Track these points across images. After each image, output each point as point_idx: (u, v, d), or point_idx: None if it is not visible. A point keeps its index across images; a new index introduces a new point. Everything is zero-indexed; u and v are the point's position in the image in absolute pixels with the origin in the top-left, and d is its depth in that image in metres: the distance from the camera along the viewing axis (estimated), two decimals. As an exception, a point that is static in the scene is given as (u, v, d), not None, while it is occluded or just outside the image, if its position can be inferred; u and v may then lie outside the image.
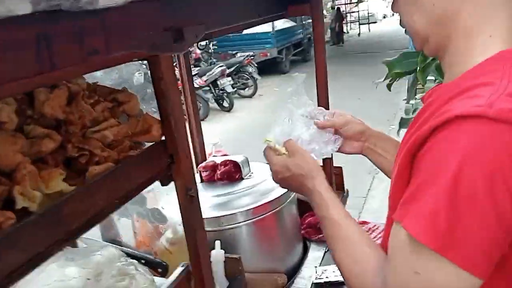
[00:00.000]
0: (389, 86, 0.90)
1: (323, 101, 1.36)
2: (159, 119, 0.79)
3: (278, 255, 1.30)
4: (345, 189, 1.72)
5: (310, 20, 1.26)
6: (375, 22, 17.81)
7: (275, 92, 9.64)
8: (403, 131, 1.26)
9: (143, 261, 0.97)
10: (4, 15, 0.41)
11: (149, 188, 1.05)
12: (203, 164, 1.36)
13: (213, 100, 8.12)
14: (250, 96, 9.27)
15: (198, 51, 9.84)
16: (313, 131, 1.00)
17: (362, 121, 1.04)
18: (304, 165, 0.89)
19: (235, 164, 1.32)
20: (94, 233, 1.13)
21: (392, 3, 0.75)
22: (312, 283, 1.27)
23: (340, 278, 1.23)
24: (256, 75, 9.30)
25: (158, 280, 0.97)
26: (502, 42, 0.64)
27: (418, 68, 0.83)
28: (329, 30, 16.34)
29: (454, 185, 0.53)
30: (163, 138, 0.80)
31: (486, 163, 0.53)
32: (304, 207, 1.51)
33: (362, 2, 21.67)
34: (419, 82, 1.04)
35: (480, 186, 0.53)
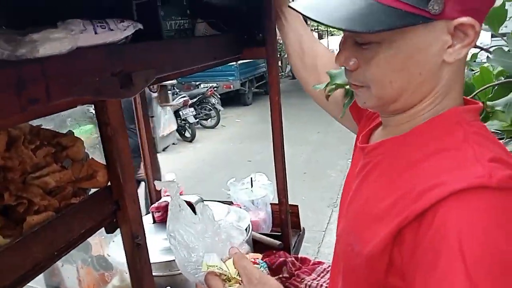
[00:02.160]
0: (327, 97, 0.94)
1: (277, 141, 1.37)
2: (105, 164, 0.77)
3: (232, 299, 1.26)
4: (302, 227, 1.72)
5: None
6: (335, 58, 18.57)
7: (237, 123, 9.70)
8: (345, 176, 1.28)
9: (86, 311, 0.91)
10: None
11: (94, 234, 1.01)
12: (156, 204, 1.32)
13: (175, 131, 8.05)
14: (213, 127, 9.27)
15: (161, 82, 9.80)
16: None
17: None
18: None
19: (189, 205, 1.29)
20: (37, 279, 1.07)
21: (350, 54, 0.67)
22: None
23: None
24: (219, 106, 9.33)
25: (102, 331, 0.92)
26: (452, 102, 0.66)
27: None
28: (288, 66, 16.74)
29: (487, 264, 0.51)
30: (109, 183, 0.78)
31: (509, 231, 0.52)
32: (260, 248, 1.49)
33: (323, 38, 22.44)
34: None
35: None
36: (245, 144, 7.59)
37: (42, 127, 0.79)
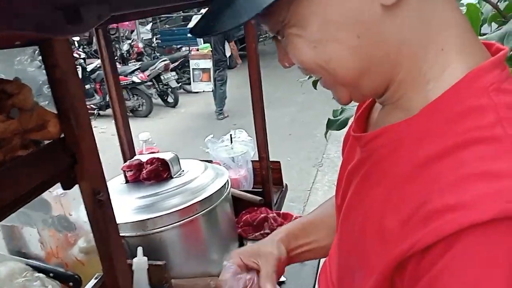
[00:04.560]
0: (314, 83, 0.85)
1: (256, 94, 1.29)
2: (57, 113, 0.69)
3: (212, 257, 1.22)
4: (284, 184, 1.68)
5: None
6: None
7: (221, 87, 9.53)
8: (330, 133, 1.22)
9: (51, 274, 0.86)
10: None
11: (54, 193, 0.95)
12: (127, 163, 1.25)
13: (157, 96, 7.88)
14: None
15: (141, 45, 9.52)
16: None
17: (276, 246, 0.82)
18: None
19: (163, 162, 1.22)
20: (-1, 244, 1.00)
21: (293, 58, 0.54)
22: (248, 284, 1.21)
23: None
24: (201, 70, 9.13)
25: (70, 294, 0.86)
26: (456, 55, 0.47)
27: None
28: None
29: None
30: (63, 135, 0.70)
31: None
32: (241, 205, 1.45)
33: None
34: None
35: None
36: (230, 107, 7.49)
37: (-17, 73, 0.71)
